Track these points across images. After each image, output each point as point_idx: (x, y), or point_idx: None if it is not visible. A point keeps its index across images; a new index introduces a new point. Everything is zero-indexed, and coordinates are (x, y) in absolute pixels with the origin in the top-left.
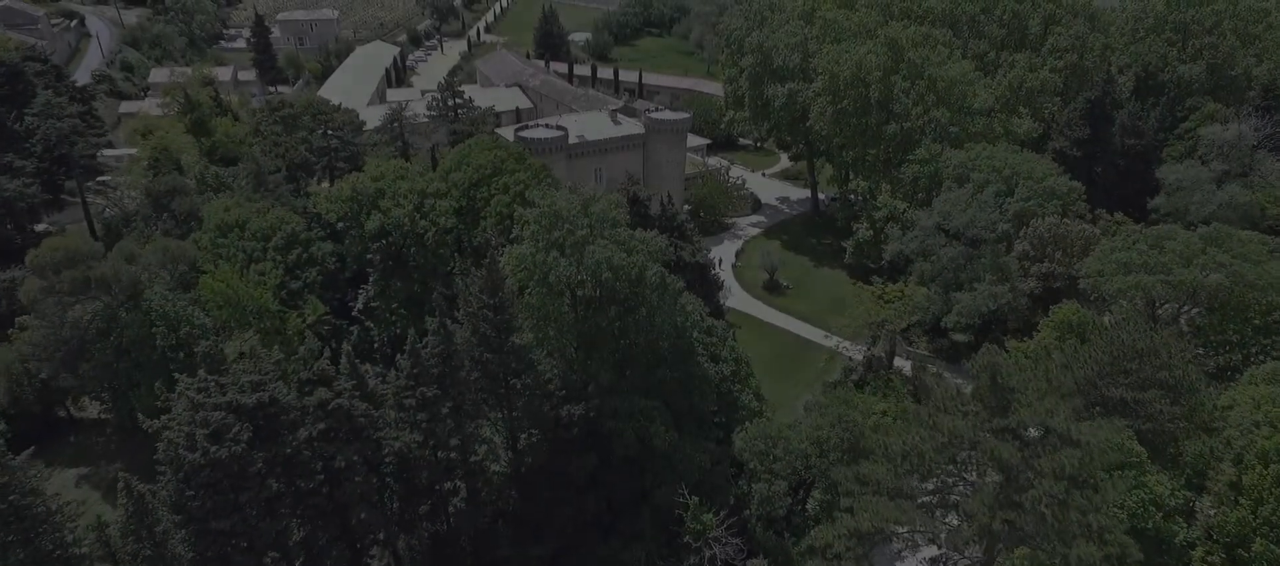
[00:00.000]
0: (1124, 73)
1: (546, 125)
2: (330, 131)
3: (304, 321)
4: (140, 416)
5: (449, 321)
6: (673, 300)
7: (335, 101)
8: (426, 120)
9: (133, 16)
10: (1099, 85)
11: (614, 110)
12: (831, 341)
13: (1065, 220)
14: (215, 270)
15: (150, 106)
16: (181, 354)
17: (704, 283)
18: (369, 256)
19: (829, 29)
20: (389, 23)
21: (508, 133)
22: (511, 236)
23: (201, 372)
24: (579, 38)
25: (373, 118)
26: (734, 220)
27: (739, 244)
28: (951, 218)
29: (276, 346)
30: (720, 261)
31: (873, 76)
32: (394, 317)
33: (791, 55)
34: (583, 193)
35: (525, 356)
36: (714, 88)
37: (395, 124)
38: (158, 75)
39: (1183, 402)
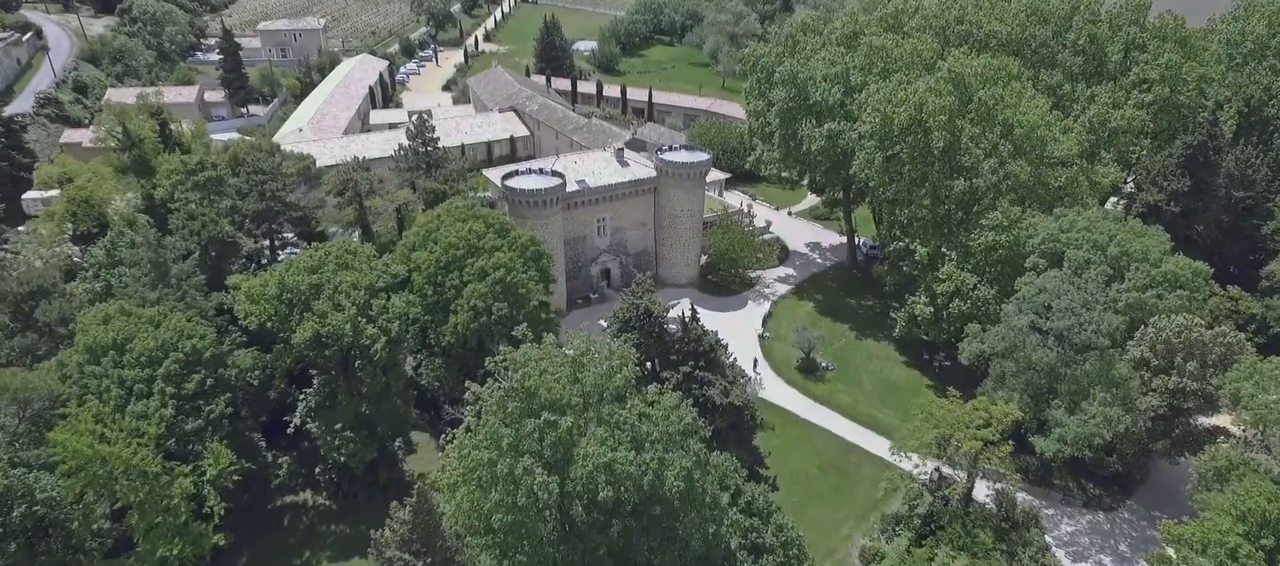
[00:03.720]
0: (1223, 108)
1: (540, 171)
2: (271, 193)
3: (200, 480)
4: None
5: None
6: (702, 499)
7: (304, 130)
8: (392, 167)
9: (99, 27)
10: (1203, 126)
11: (619, 149)
12: (894, 458)
13: (1197, 320)
14: (77, 413)
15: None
16: (14, 545)
17: (739, 426)
18: (309, 356)
19: (876, 58)
20: (382, 31)
21: (497, 174)
22: (465, 424)
23: None
24: (584, 47)
25: (347, 150)
26: (758, 273)
27: (765, 306)
28: (1053, 315)
29: None
30: (753, 363)
31: (936, 121)
32: (338, 441)
33: (831, 89)
34: (574, 342)
35: None
36: (732, 108)
37: (350, 187)
38: (116, 96)
39: None
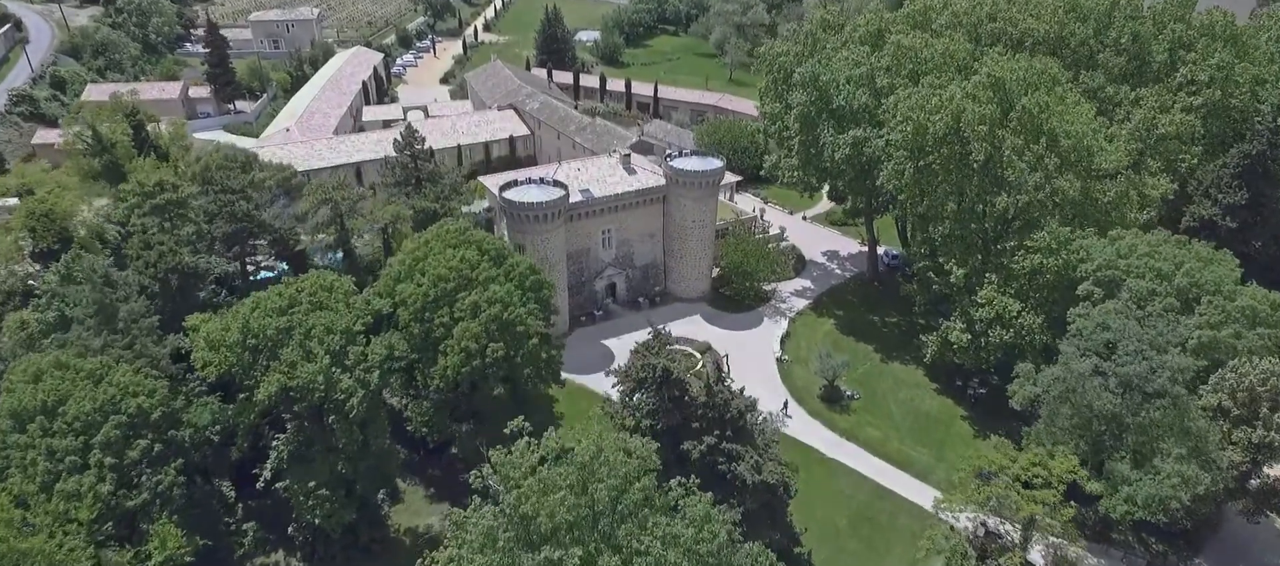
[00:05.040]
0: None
1: (541, 181)
2: (242, 213)
3: None
4: None
5: None
6: None
7: (291, 130)
8: (380, 180)
9: (83, 18)
10: (1263, 134)
11: (625, 154)
12: (944, 514)
13: None
14: None
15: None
16: None
17: (772, 504)
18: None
19: (903, 58)
20: (378, 21)
21: (495, 182)
22: (449, 554)
23: None
24: (587, 37)
25: (336, 152)
26: (774, 286)
27: (783, 323)
28: (1119, 357)
29: None
30: (783, 404)
31: (975, 131)
32: (313, 501)
33: (856, 92)
34: (582, 449)
35: None
36: (741, 104)
37: (330, 205)
38: (96, 92)
39: None
